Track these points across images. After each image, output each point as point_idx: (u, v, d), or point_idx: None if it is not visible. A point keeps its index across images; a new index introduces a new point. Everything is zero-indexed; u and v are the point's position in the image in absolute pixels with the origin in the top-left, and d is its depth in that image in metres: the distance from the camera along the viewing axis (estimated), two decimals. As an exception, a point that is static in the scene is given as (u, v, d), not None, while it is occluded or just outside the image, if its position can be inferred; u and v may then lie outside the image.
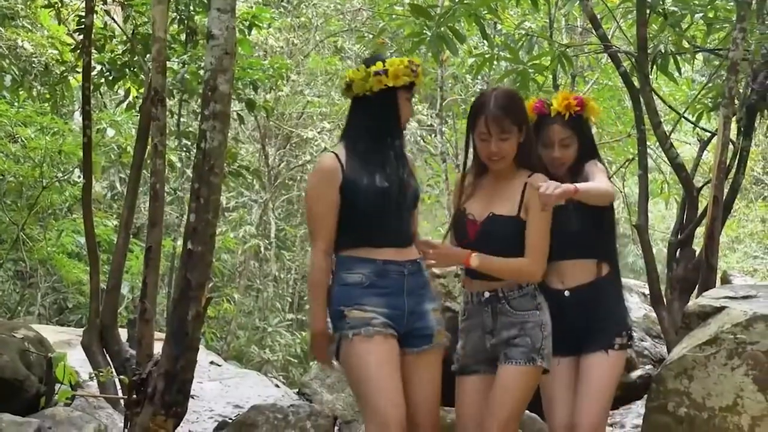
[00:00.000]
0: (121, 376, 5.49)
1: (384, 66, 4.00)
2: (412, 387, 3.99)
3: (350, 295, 3.98)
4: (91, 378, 5.93)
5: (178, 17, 8.26)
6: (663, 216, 18.13)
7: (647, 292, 6.96)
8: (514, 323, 4.07)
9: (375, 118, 4.09)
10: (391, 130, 4.10)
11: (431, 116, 14.99)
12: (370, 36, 13.30)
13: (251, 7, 10.00)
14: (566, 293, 4.26)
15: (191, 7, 8.16)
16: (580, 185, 4.04)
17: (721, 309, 4.79)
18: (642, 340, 6.80)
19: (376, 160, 4.04)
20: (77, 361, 6.20)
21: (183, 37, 8.34)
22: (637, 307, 7.19)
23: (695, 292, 6.29)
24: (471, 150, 4.20)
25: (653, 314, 6.78)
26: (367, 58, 4.18)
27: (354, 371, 3.97)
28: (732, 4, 6.64)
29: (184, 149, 9.66)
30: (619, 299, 4.39)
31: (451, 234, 4.29)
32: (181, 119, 9.39)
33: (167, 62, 7.86)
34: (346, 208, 4.00)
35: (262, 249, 14.48)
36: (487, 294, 4.12)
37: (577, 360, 4.28)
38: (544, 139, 4.36)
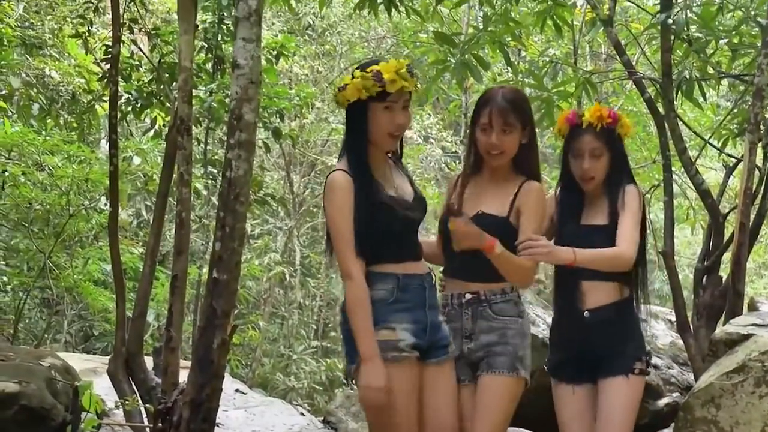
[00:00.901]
0: (147, 405, 5.49)
1: (350, 80, 3.89)
2: (434, 395, 3.95)
3: (376, 314, 3.85)
4: (117, 406, 5.92)
5: (205, 46, 8.35)
6: (689, 242, 18.05)
7: (674, 318, 6.92)
8: (494, 328, 4.00)
9: (350, 132, 4.02)
10: (363, 143, 3.95)
11: (455, 143, 15.00)
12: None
13: (276, 36, 10.08)
14: (586, 314, 4.23)
15: (218, 37, 8.24)
16: (581, 255, 4.01)
17: (748, 336, 4.75)
18: (669, 368, 6.76)
19: (379, 173, 3.97)
20: (103, 389, 6.21)
21: (210, 66, 8.42)
22: (664, 334, 7.16)
23: (722, 318, 6.25)
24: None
25: (680, 341, 6.74)
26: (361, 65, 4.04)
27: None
28: (757, 29, 6.62)
29: (210, 177, 9.70)
30: (639, 323, 4.37)
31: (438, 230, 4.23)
32: (208, 147, 9.44)
33: (194, 91, 7.95)
34: (362, 222, 3.88)
35: (287, 276, 14.51)
36: (468, 296, 4.06)
37: (593, 388, 4.25)
38: (574, 150, 4.36)
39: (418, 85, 4.00)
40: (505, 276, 4.03)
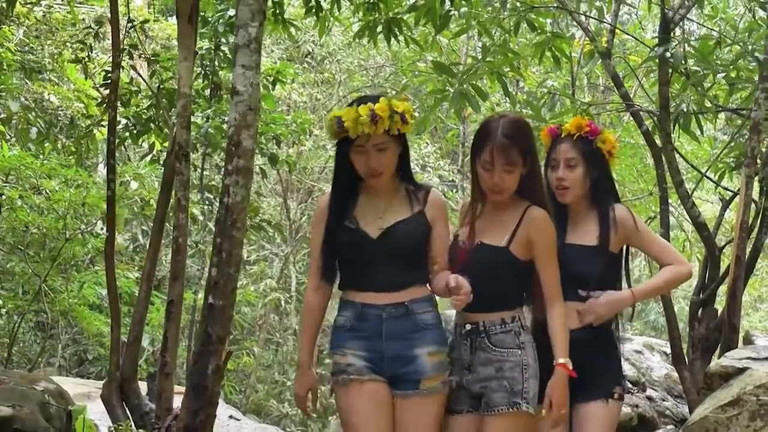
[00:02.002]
0: (141, 430, 5.47)
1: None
2: (400, 429, 3.93)
3: (335, 339, 4.04)
4: (110, 431, 5.91)
5: (203, 72, 8.38)
6: (685, 274, 18.02)
7: (669, 351, 6.92)
8: (492, 360, 3.93)
9: (335, 164, 4.12)
10: (345, 175, 4.02)
11: (453, 172, 15.04)
12: (393, 92, 13.39)
13: (275, 63, 10.12)
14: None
15: (216, 63, 8.27)
16: (640, 294, 4.31)
17: (743, 370, 4.76)
18: (664, 400, 6.75)
19: (345, 207, 4.02)
20: (96, 414, 6.19)
21: (207, 92, 8.45)
22: (659, 366, 7.15)
23: (717, 351, 6.25)
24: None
25: (675, 373, 6.73)
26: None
27: (340, 418, 4.08)
28: (754, 64, 6.66)
29: (207, 203, 9.72)
30: (616, 349, 4.36)
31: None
32: (204, 173, 9.46)
33: (191, 117, 7.98)
34: (331, 249, 4.05)
35: (283, 302, 14.49)
36: (468, 326, 4.00)
37: (571, 408, 4.22)
38: (551, 161, 4.34)
39: (394, 126, 3.90)
40: (485, 311, 4.00)
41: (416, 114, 8.82)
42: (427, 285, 4.06)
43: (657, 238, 4.47)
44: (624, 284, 4.41)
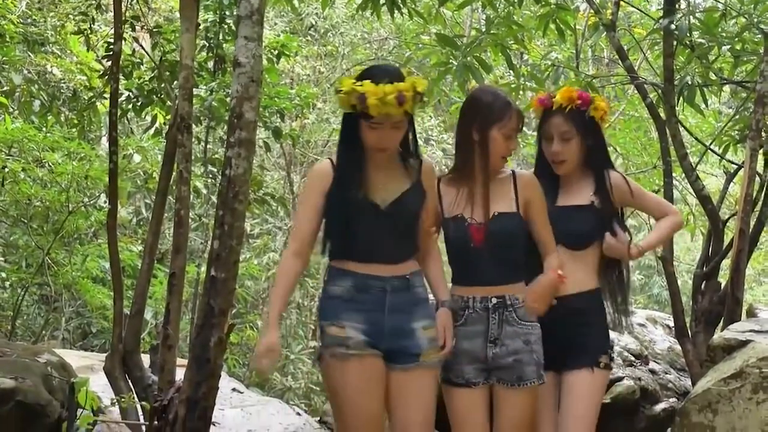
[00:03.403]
0: (143, 402, 5.49)
1: (345, 85, 3.88)
2: (400, 405, 3.92)
3: (331, 309, 3.95)
4: (113, 404, 5.93)
5: (207, 45, 8.35)
6: (689, 248, 18.05)
7: (672, 324, 6.92)
8: (519, 334, 4.01)
9: (342, 135, 4.07)
10: (354, 144, 3.97)
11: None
12: (397, 65, 13.35)
13: (279, 36, 10.08)
14: (554, 302, 4.23)
15: (220, 36, 8.23)
16: (647, 244, 4.41)
17: (746, 342, 4.75)
18: (666, 373, 6.75)
19: (354, 177, 3.95)
20: (99, 386, 6.21)
21: (211, 64, 8.42)
22: (662, 339, 7.14)
23: (720, 324, 6.24)
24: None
25: (678, 347, 6.73)
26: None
27: (330, 392, 4.00)
28: (759, 36, 6.62)
29: (210, 176, 9.70)
30: (604, 317, 4.38)
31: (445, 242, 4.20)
32: (208, 146, 9.43)
33: (195, 89, 7.95)
34: (331, 217, 3.98)
35: (286, 276, 14.46)
36: (494, 300, 4.03)
37: (558, 376, 4.25)
38: (545, 133, 4.36)
39: (416, 107, 3.90)
40: (508, 282, 4.06)
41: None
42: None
43: (650, 195, 4.68)
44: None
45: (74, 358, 7.23)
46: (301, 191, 4.17)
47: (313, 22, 15.14)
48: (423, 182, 4.05)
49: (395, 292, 3.95)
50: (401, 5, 7.18)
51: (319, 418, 7.44)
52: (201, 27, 8.04)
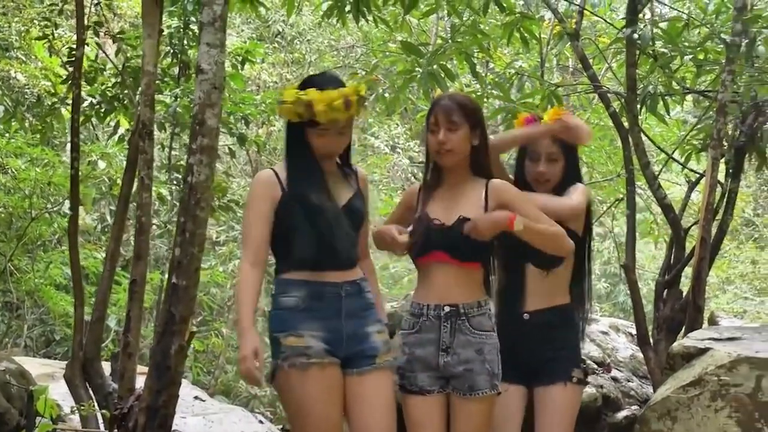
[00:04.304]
0: (104, 411, 5.44)
1: (288, 96, 3.91)
2: (358, 409, 3.91)
3: (286, 321, 3.91)
4: (73, 412, 5.88)
5: (171, 51, 8.31)
6: (654, 256, 18.13)
7: (634, 332, 6.95)
8: (471, 343, 3.98)
9: (288, 144, 4.06)
10: (302, 151, 3.98)
11: (423, 153, 15.00)
12: (363, 72, 13.35)
13: (245, 42, 10.06)
14: (525, 316, 4.24)
15: (184, 42, 8.21)
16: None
17: (705, 350, 4.79)
18: (629, 380, 6.77)
19: (312, 181, 3.95)
20: (60, 394, 6.15)
21: (176, 70, 8.38)
22: (624, 347, 7.17)
23: (682, 332, 6.28)
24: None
25: (640, 354, 6.76)
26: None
27: (290, 404, 3.91)
28: (721, 46, 6.68)
29: (175, 183, 9.66)
30: (577, 332, 4.40)
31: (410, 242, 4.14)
32: (173, 153, 9.39)
33: (160, 96, 7.91)
34: (283, 227, 3.94)
35: (252, 284, 14.41)
36: (447, 308, 4.02)
37: (526, 390, 4.26)
38: (531, 154, 4.38)
39: (360, 112, 3.94)
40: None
41: (387, 95, 8.82)
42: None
43: (574, 193, 4.47)
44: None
45: (35, 365, 7.18)
46: (247, 201, 4.14)
47: (280, 29, 15.13)
48: (362, 190, 4.11)
49: (349, 297, 3.95)
50: (366, 13, 7.18)
51: (282, 426, 7.43)
52: (165, 33, 8.01)
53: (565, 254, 4.14)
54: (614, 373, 6.67)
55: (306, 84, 3.97)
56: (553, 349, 4.23)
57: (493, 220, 3.92)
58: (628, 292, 6.97)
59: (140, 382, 4.80)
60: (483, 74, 8.91)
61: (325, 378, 3.85)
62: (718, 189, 6.48)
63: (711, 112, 7.08)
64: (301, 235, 3.93)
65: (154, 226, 10.04)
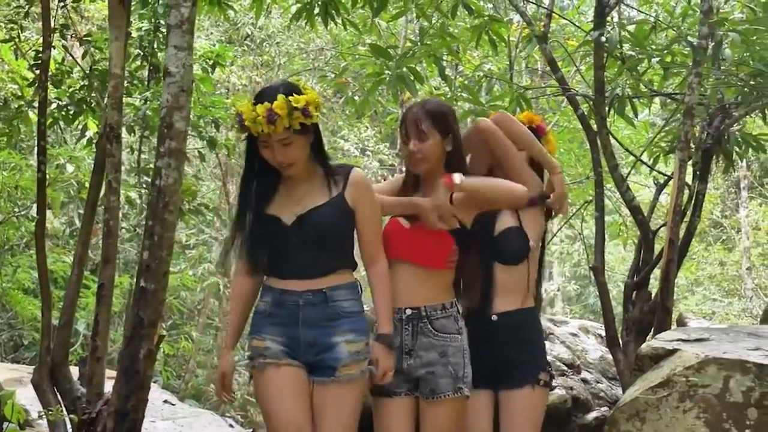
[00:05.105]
0: (72, 415, 5.40)
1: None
2: (318, 419, 3.92)
3: (254, 324, 4.06)
4: (40, 417, 5.83)
5: (140, 54, 8.27)
6: (623, 258, 18.24)
7: (604, 333, 6.98)
8: (434, 345, 3.99)
9: (246, 159, 4.10)
10: (261, 171, 4.03)
11: (392, 156, 15.03)
12: (333, 75, 13.35)
13: (214, 45, 10.02)
14: (494, 317, 4.26)
15: (154, 44, 8.17)
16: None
17: (673, 351, 4.81)
18: (598, 382, 6.81)
19: (260, 192, 4.03)
20: (28, 399, 6.12)
21: (145, 73, 8.34)
22: (594, 348, 7.20)
23: (651, 334, 6.31)
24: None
25: (609, 356, 6.79)
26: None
27: (258, 403, 4.08)
28: (688, 49, 6.72)
29: (144, 186, 9.61)
30: (541, 335, 4.44)
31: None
32: (142, 156, 9.34)
33: (129, 99, 7.87)
34: (255, 237, 4.04)
35: (222, 287, 14.40)
36: (408, 311, 4.04)
37: (493, 393, 4.26)
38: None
39: (296, 123, 3.87)
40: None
41: (356, 98, 8.82)
42: (352, 272, 4.07)
43: None
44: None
45: (3, 370, 7.13)
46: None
47: (249, 32, 15.10)
48: (347, 194, 4.01)
49: (309, 306, 3.95)
50: (335, 16, 7.18)
51: (252, 430, 7.40)
52: (135, 36, 7.97)
53: (519, 202, 4.15)
54: (584, 374, 6.70)
55: (257, 95, 4.00)
56: (520, 352, 4.25)
57: (438, 197, 3.99)
58: (598, 294, 7.00)
59: (109, 387, 4.77)
60: (452, 77, 8.93)
61: (279, 377, 3.91)
62: (686, 191, 6.52)
63: (678, 115, 7.12)
64: (255, 244, 4.03)
65: (122, 230, 9.99)
